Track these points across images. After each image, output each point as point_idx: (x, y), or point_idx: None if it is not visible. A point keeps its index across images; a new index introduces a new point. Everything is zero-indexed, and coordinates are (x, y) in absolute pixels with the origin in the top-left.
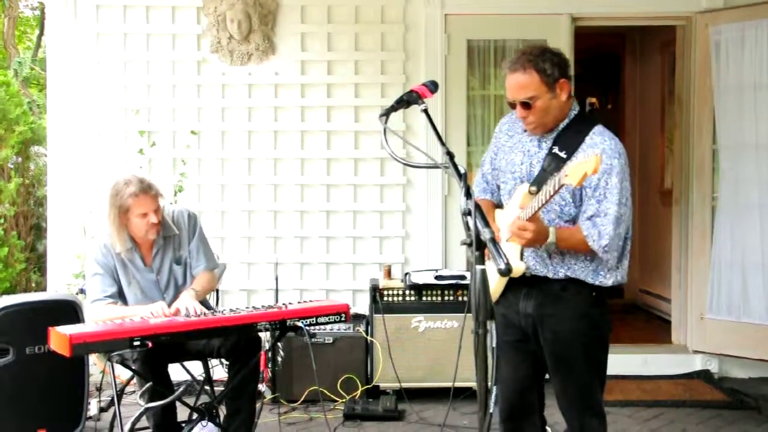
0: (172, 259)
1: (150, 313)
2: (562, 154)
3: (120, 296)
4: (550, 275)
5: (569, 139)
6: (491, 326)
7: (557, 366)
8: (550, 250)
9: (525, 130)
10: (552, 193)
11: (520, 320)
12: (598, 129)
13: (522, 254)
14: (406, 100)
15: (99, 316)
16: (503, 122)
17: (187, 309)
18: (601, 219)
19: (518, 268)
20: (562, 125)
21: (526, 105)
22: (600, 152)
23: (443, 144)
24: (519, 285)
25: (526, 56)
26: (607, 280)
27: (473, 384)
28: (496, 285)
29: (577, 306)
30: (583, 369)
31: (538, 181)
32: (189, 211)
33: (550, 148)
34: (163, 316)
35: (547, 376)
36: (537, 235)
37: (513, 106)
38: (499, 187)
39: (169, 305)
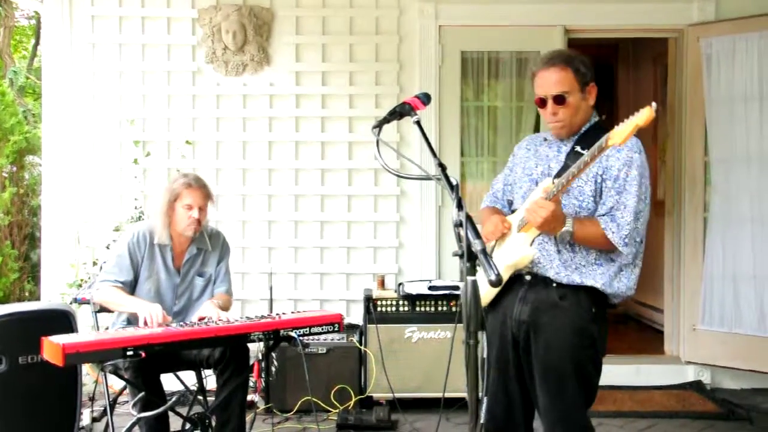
0: (196, 271)
1: (146, 315)
2: (584, 152)
3: (131, 286)
4: (552, 275)
5: (589, 140)
6: (482, 337)
7: (546, 380)
8: (565, 240)
9: (545, 140)
10: (588, 161)
11: (512, 327)
12: None
13: (533, 242)
14: (399, 112)
15: (102, 296)
16: (523, 141)
17: (219, 317)
18: (621, 212)
19: (527, 255)
20: (583, 129)
21: (560, 99)
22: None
23: (435, 156)
24: (517, 287)
25: (562, 55)
26: (617, 286)
27: (466, 394)
28: (489, 290)
29: (575, 319)
30: (574, 387)
31: (562, 175)
32: (224, 235)
33: (572, 147)
34: (156, 325)
35: None
36: (553, 216)
37: (542, 103)
38: (510, 203)
39: (177, 313)
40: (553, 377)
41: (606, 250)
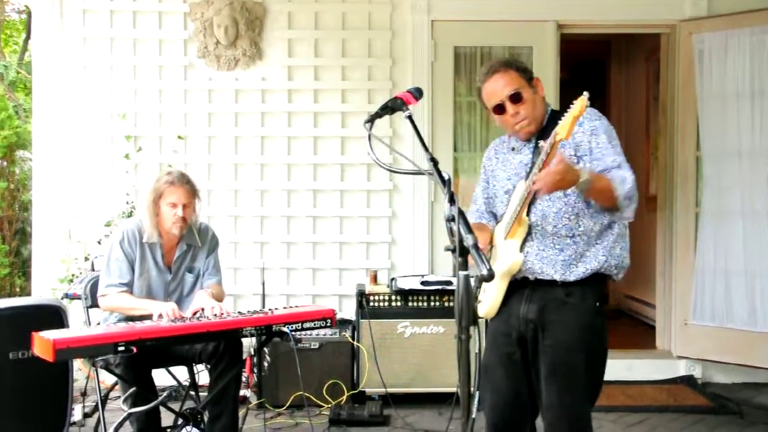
0: (186, 267)
1: (160, 314)
2: None
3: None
4: (558, 277)
5: (550, 130)
6: (474, 332)
7: (554, 376)
8: (582, 190)
9: (513, 149)
10: (550, 153)
11: (519, 326)
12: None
13: (522, 247)
14: (390, 107)
15: (111, 303)
16: (489, 149)
17: (213, 308)
18: (617, 169)
19: (517, 260)
20: (544, 123)
21: (516, 97)
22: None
23: (427, 150)
24: (521, 288)
25: (500, 61)
26: (618, 254)
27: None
28: (497, 293)
29: (582, 314)
30: (582, 382)
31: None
32: (212, 229)
33: (536, 144)
34: (174, 316)
35: None
36: (565, 173)
37: (500, 110)
38: (494, 215)
39: None
40: (562, 372)
41: (608, 209)
